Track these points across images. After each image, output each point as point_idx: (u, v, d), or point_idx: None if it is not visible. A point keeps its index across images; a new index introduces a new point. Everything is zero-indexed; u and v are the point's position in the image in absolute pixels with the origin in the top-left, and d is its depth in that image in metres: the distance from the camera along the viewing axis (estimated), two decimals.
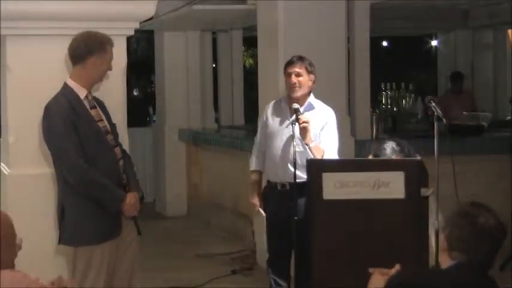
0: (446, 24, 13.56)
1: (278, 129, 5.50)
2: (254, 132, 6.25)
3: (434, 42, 18.16)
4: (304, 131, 5.26)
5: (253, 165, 5.73)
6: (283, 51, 6.84)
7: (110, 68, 4.60)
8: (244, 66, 15.83)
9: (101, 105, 4.67)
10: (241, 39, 12.02)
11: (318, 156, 5.35)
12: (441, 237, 3.05)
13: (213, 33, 11.57)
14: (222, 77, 11.98)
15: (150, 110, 12.98)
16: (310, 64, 5.46)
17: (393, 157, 5.18)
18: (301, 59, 5.47)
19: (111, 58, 4.57)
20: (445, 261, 3.00)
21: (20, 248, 3.10)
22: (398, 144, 5.24)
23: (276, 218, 5.50)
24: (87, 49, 4.48)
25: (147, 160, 11.63)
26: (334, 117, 5.56)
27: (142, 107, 12.58)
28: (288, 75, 5.45)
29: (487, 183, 7.72)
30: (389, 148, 5.20)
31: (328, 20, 6.99)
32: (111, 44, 4.57)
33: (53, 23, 5.05)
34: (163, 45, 10.80)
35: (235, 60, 11.90)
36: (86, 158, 4.38)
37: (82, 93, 4.52)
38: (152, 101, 12.16)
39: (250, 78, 14.64)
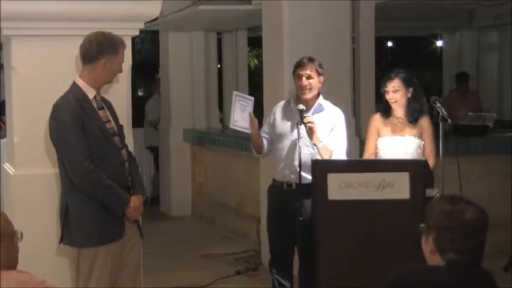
0: (451, 24, 13.57)
1: (286, 130, 5.50)
2: None
3: (439, 43, 18.16)
4: (310, 132, 5.25)
5: None
6: (288, 51, 6.84)
7: (120, 70, 4.59)
8: (249, 66, 15.83)
9: (108, 106, 4.65)
10: (246, 40, 12.03)
11: (326, 157, 5.34)
12: (427, 240, 3.00)
13: (218, 33, 11.57)
14: (226, 78, 11.98)
15: None
16: (320, 65, 5.45)
17: (394, 77, 5.52)
18: (311, 60, 5.46)
19: (122, 60, 4.55)
20: (437, 263, 2.99)
21: (20, 240, 3.07)
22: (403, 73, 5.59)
23: (280, 218, 5.50)
24: (99, 49, 4.46)
25: (151, 160, 11.64)
26: (343, 118, 5.56)
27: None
28: (298, 77, 5.44)
29: (492, 184, 7.70)
30: (395, 71, 5.59)
31: (333, 20, 6.99)
32: (124, 46, 4.56)
33: (58, 23, 5.04)
34: (168, 46, 10.81)
35: (240, 60, 11.91)
36: (92, 159, 4.37)
37: (91, 93, 4.50)
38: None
39: (255, 78, 14.63)
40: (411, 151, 5.48)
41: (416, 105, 5.55)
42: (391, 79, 5.53)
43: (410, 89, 5.53)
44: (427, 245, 3.01)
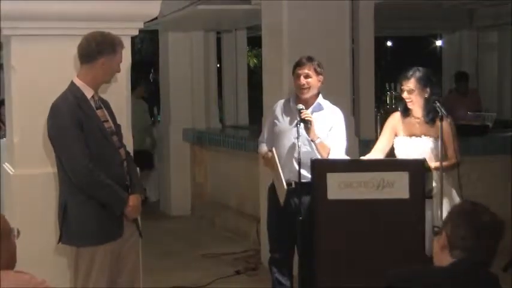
0: (451, 24, 13.56)
1: (286, 128, 5.51)
2: (258, 132, 6.24)
3: (439, 42, 18.16)
4: (307, 128, 5.27)
5: (263, 146, 5.69)
6: (287, 51, 6.85)
7: (118, 70, 4.58)
8: (249, 66, 15.81)
9: (106, 105, 4.65)
10: (245, 39, 12.04)
11: (324, 154, 5.36)
12: (441, 236, 3.05)
13: (218, 33, 11.57)
14: (226, 77, 11.98)
15: (155, 110, 12.98)
16: (319, 65, 5.47)
17: (410, 77, 5.38)
18: (310, 59, 5.48)
19: (120, 60, 4.55)
20: (445, 260, 3.01)
21: (17, 237, 3.07)
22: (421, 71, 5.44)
23: (280, 217, 5.50)
24: (97, 49, 4.45)
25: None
26: (343, 118, 5.57)
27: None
28: (297, 76, 5.46)
29: (492, 184, 7.70)
30: (413, 69, 5.44)
31: (333, 20, 6.99)
32: (122, 46, 4.56)
33: (58, 23, 5.05)
34: (167, 45, 10.81)
35: (240, 60, 11.92)
36: (90, 159, 4.37)
37: (89, 93, 4.50)
38: (157, 101, 12.14)
39: (255, 78, 14.63)
40: (426, 152, 5.35)
41: (433, 106, 5.31)
42: (407, 79, 5.39)
43: (428, 89, 5.37)
44: (439, 242, 3.04)
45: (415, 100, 5.40)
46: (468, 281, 2.94)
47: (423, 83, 5.38)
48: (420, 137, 5.41)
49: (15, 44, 5.10)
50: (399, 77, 5.51)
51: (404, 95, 5.42)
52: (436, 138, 5.36)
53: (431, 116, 5.37)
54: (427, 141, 5.39)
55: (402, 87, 5.43)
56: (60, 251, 4.83)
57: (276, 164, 5.29)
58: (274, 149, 5.38)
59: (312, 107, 5.47)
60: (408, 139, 5.44)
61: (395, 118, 5.57)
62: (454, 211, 3.12)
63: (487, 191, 7.44)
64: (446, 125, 5.29)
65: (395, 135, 5.52)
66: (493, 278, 3.00)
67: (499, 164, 7.83)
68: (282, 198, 5.33)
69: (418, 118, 5.44)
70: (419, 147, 5.37)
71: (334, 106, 5.59)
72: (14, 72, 5.12)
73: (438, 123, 5.29)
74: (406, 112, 5.49)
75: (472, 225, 2.97)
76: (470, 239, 2.96)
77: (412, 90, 5.38)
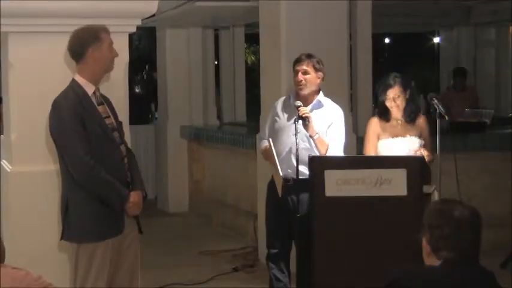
0: (449, 21, 13.57)
1: (285, 125, 5.53)
2: (256, 129, 6.24)
3: (436, 39, 18.17)
4: (305, 124, 5.29)
5: (264, 142, 5.70)
6: (285, 48, 6.84)
7: (115, 55, 4.57)
8: (246, 63, 15.82)
9: (107, 102, 4.65)
10: (243, 36, 12.04)
11: (322, 150, 5.39)
12: (423, 243, 3.03)
13: (215, 30, 11.57)
14: (224, 74, 11.98)
15: (152, 107, 12.98)
16: (318, 62, 5.49)
17: (394, 84, 5.53)
18: (309, 56, 5.51)
19: (110, 44, 4.52)
20: (434, 263, 2.99)
21: None
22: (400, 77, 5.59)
23: (278, 213, 5.51)
24: (82, 44, 4.46)
25: (149, 157, 11.63)
26: (342, 116, 5.59)
27: (144, 104, 12.55)
28: (295, 73, 5.50)
29: (489, 181, 7.70)
30: (392, 76, 5.58)
31: (330, 18, 6.99)
32: (106, 31, 4.53)
33: (55, 20, 5.04)
34: (165, 42, 10.80)
35: (237, 57, 11.92)
36: (92, 155, 4.37)
37: (90, 89, 4.50)
38: (154, 98, 12.14)
39: (252, 75, 14.65)
40: (413, 150, 5.49)
41: (413, 106, 5.62)
42: (391, 86, 5.56)
43: (408, 91, 5.58)
44: (423, 248, 3.03)
45: (401, 104, 5.59)
46: (464, 280, 2.93)
47: (405, 86, 5.60)
48: (405, 137, 5.58)
49: (12, 41, 5.10)
50: (381, 87, 5.64)
51: (391, 103, 5.58)
52: (419, 137, 5.59)
53: (412, 116, 5.61)
54: (413, 140, 5.56)
55: (387, 96, 5.58)
56: (60, 248, 4.82)
57: (272, 153, 5.30)
58: (271, 140, 5.40)
59: (312, 104, 5.48)
60: (393, 140, 5.60)
61: (375, 124, 5.71)
62: (427, 215, 3.05)
63: (486, 188, 7.45)
64: (424, 122, 5.64)
65: (378, 138, 5.64)
66: (489, 274, 2.99)
67: (497, 161, 7.82)
68: (279, 189, 5.34)
69: (400, 119, 5.64)
70: (406, 146, 5.49)
71: (335, 104, 5.61)
72: (11, 69, 5.12)
73: (418, 122, 5.61)
74: (387, 116, 5.65)
75: (449, 223, 2.93)
76: (452, 237, 2.92)
77: (398, 95, 5.56)
